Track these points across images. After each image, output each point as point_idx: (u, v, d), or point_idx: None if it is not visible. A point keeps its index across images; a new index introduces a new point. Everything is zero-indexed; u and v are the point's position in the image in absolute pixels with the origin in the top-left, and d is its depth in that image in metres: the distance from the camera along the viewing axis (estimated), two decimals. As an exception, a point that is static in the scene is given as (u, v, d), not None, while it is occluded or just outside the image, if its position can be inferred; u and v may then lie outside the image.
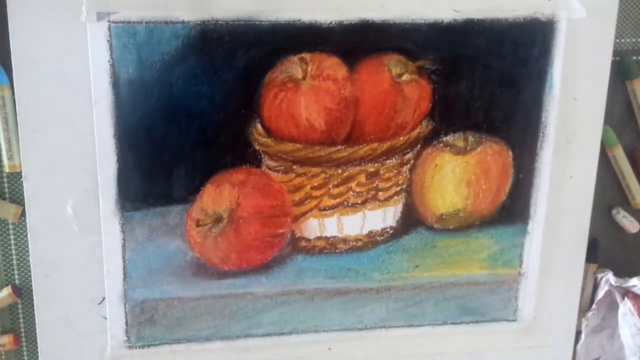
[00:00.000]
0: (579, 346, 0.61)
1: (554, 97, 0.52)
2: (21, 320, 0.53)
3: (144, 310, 0.51)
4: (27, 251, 0.50)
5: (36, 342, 0.51)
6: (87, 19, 0.45)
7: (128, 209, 0.49)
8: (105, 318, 0.51)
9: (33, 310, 0.51)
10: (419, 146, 0.52)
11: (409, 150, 0.52)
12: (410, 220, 0.54)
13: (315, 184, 0.51)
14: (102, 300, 0.51)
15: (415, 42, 0.49)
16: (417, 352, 0.57)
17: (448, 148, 0.52)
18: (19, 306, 0.53)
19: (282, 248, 0.52)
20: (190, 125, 0.48)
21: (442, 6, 0.49)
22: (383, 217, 0.53)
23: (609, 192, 0.58)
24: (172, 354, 0.53)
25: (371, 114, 0.50)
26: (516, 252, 0.56)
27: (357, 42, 0.48)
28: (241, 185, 0.50)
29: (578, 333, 0.60)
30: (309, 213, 0.52)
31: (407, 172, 0.52)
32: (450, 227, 0.54)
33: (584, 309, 0.60)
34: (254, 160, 0.50)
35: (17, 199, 0.50)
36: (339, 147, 0.50)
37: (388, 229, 0.53)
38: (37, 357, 0.52)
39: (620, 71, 0.56)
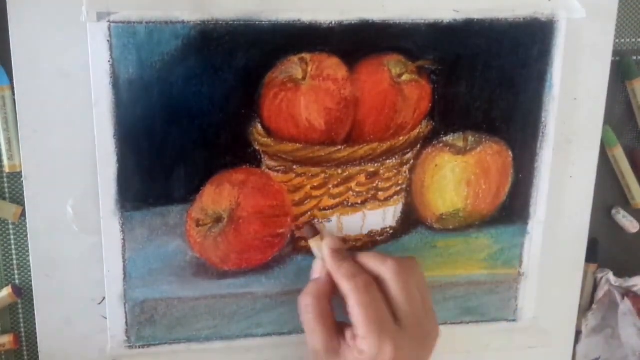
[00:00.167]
0: (579, 346, 0.61)
1: (554, 97, 0.52)
2: (21, 320, 0.53)
3: (144, 310, 0.51)
4: (27, 251, 0.50)
5: (36, 342, 0.51)
6: (87, 19, 0.45)
7: (128, 209, 0.49)
8: (105, 318, 0.51)
9: (33, 310, 0.51)
10: (418, 146, 0.52)
11: (408, 150, 0.52)
12: (410, 220, 0.54)
13: (315, 184, 0.51)
14: (102, 301, 0.51)
15: (415, 42, 0.49)
16: (417, 352, 0.57)
17: (448, 148, 0.52)
18: (19, 306, 0.53)
19: (282, 248, 0.52)
20: (190, 125, 0.48)
21: (442, 6, 0.49)
22: (383, 217, 0.53)
23: (609, 192, 0.58)
24: (172, 354, 0.53)
25: (371, 114, 0.50)
26: (516, 252, 0.55)
27: (357, 42, 0.48)
28: (241, 185, 0.50)
29: (578, 333, 0.60)
30: (309, 213, 0.52)
31: (407, 172, 0.52)
32: (450, 227, 0.54)
33: (584, 309, 0.60)
34: (254, 160, 0.50)
35: (17, 199, 0.50)
36: (339, 147, 0.50)
37: (388, 229, 0.53)
38: (37, 357, 0.52)
39: (620, 71, 0.56)
